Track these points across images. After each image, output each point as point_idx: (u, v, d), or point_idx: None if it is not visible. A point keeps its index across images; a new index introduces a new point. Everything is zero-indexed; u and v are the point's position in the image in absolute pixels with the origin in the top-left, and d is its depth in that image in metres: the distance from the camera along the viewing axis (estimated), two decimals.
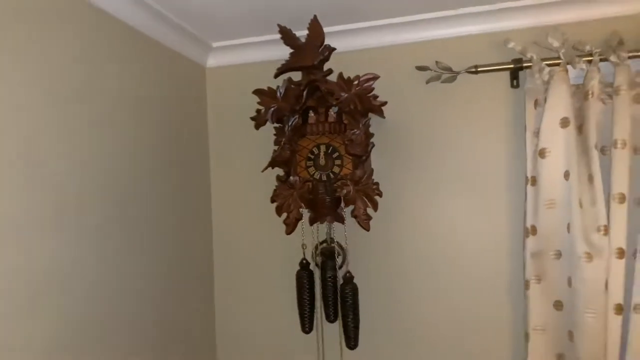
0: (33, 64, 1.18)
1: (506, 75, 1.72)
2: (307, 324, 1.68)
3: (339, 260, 1.72)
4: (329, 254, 1.69)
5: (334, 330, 1.72)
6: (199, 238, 1.97)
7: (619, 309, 1.48)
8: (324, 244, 1.73)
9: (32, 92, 1.18)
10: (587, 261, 1.48)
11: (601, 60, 1.53)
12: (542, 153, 1.56)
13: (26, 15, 1.16)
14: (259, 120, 1.63)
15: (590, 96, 1.52)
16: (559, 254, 1.57)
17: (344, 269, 1.67)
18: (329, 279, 1.66)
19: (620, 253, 1.48)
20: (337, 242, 1.73)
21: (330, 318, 1.69)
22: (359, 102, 1.50)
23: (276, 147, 1.61)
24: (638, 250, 1.48)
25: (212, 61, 2.02)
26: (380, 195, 1.56)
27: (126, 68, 1.53)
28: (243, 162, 2.00)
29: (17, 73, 1.14)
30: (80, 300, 1.31)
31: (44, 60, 1.21)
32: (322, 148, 1.64)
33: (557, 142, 1.54)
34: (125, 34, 1.53)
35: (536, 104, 1.61)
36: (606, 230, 1.48)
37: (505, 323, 1.74)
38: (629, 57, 1.50)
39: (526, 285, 1.61)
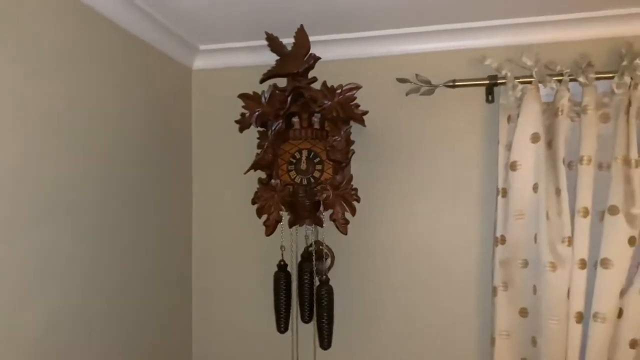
0: (18, 60, 1.20)
1: (482, 90, 1.78)
2: (282, 324, 1.72)
3: (327, 262, 1.76)
4: (307, 256, 1.74)
5: (308, 331, 1.76)
6: (179, 237, 1.99)
7: (580, 317, 1.55)
8: (312, 248, 1.76)
9: (19, 89, 1.20)
10: (551, 270, 1.55)
11: (571, 80, 1.61)
12: (513, 166, 1.62)
13: (11, 11, 1.17)
14: (243, 124, 1.65)
15: (560, 114, 1.59)
16: (525, 263, 1.64)
17: (332, 271, 1.72)
18: (305, 280, 1.70)
19: (582, 264, 1.55)
20: (327, 246, 1.77)
21: (305, 319, 1.73)
22: (341, 110, 1.55)
23: (259, 151, 1.64)
24: (598, 261, 1.55)
25: (198, 63, 2.05)
26: (358, 200, 1.60)
27: (112, 67, 1.55)
28: (226, 164, 2.04)
29: (4, 69, 1.16)
30: (63, 296, 1.35)
31: (30, 56, 1.23)
32: (304, 153, 1.67)
33: (528, 156, 1.61)
34: (112, 33, 1.56)
35: (509, 119, 1.67)
36: (570, 241, 1.55)
37: (474, 327, 1.81)
38: (596, 79, 1.58)
39: (494, 291, 1.68)
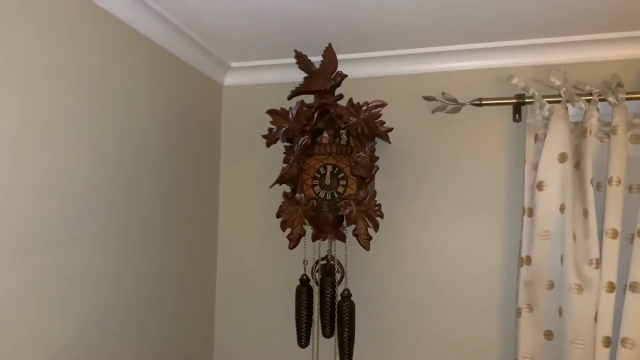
0: (58, 74, 1.26)
1: (509, 109, 1.81)
2: (303, 339, 1.76)
3: (337, 277, 1.80)
4: (328, 270, 1.78)
5: (329, 346, 1.81)
6: (205, 248, 2.06)
7: (607, 342, 1.55)
8: (324, 261, 1.81)
9: (56, 101, 1.26)
10: (577, 293, 1.55)
11: (600, 100, 1.63)
12: (539, 186, 1.64)
13: (44, 23, 1.22)
14: (270, 139, 1.74)
15: (588, 134, 1.61)
16: (551, 285, 1.64)
17: (342, 285, 1.76)
18: (327, 295, 1.74)
19: (611, 287, 1.54)
20: (337, 260, 1.81)
21: (327, 333, 1.77)
22: (366, 127, 1.61)
23: (285, 165, 1.71)
24: (627, 285, 1.54)
25: (229, 80, 2.14)
26: (381, 216, 1.65)
27: (145, 81, 1.63)
28: (252, 178, 2.10)
29: (42, 82, 1.23)
30: (92, 304, 1.42)
31: (63, 69, 1.28)
32: (329, 168, 1.73)
33: (555, 176, 1.63)
34: (149, 51, 1.64)
35: (536, 138, 1.70)
36: (598, 263, 1.55)
37: (497, 349, 1.81)
38: (627, 99, 1.60)
39: (518, 313, 1.68)
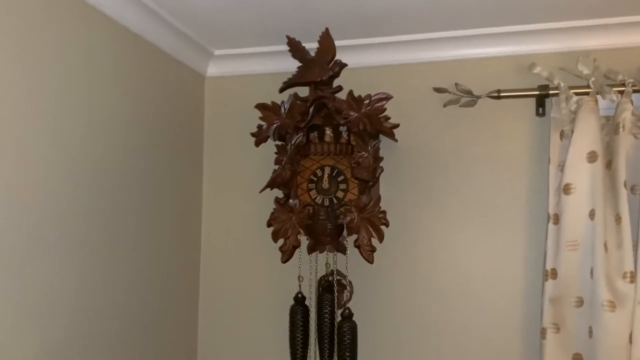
0: (27, 63, 1.24)
1: (531, 102, 1.76)
2: None
3: (345, 294, 1.75)
4: (326, 286, 1.72)
5: None
6: (185, 260, 1.99)
7: None
8: (330, 277, 1.76)
9: (26, 94, 1.24)
10: (609, 310, 1.51)
11: (634, 91, 1.58)
12: (566, 189, 1.59)
13: (21, 13, 1.21)
14: (259, 137, 1.70)
15: (621, 130, 1.55)
16: (580, 301, 1.60)
17: (355, 305, 1.70)
18: (326, 315, 1.69)
19: None
20: (343, 274, 1.75)
21: (325, 358, 1.71)
22: (369, 123, 1.57)
23: (276, 167, 1.66)
24: None
25: (212, 70, 2.08)
26: (387, 225, 1.60)
27: (121, 71, 1.59)
28: (239, 181, 2.05)
29: (11, 72, 1.20)
30: (64, 316, 1.39)
31: (33, 60, 1.26)
32: (327, 170, 1.69)
33: (583, 177, 1.57)
34: (122, 36, 1.59)
35: (562, 135, 1.65)
36: (632, 277, 1.50)
37: None
38: None
39: (542, 334, 1.62)
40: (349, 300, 1.74)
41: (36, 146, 1.28)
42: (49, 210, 1.33)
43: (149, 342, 1.76)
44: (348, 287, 1.75)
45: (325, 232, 1.68)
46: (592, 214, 1.56)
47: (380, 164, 1.66)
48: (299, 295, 1.71)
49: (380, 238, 1.59)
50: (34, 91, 1.28)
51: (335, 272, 1.75)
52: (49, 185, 1.32)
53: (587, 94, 1.61)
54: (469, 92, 1.77)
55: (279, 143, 1.70)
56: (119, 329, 1.61)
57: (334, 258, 1.76)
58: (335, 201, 1.68)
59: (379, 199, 1.66)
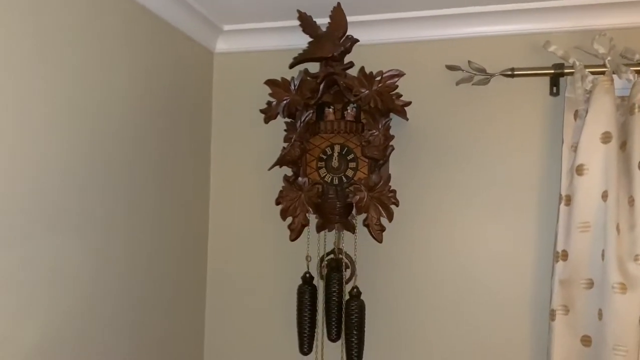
0: (42, 42, 1.25)
1: (545, 81, 1.76)
2: (306, 345, 1.74)
3: (346, 273, 1.77)
4: (335, 265, 1.75)
5: (335, 351, 1.78)
6: (192, 236, 2.01)
7: None
8: (331, 255, 1.78)
9: (43, 73, 1.26)
10: (620, 292, 1.52)
11: None
12: (579, 170, 1.60)
13: None
14: (269, 114, 1.71)
15: (636, 110, 1.56)
16: (590, 283, 1.61)
17: (351, 283, 1.73)
18: (334, 294, 1.71)
19: None
20: (346, 253, 1.78)
21: (333, 337, 1.74)
22: (380, 101, 1.58)
23: (286, 144, 1.68)
24: None
25: (221, 45, 2.08)
26: (396, 204, 1.63)
27: (130, 46, 1.59)
28: (248, 158, 2.06)
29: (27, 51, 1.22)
30: (69, 302, 1.40)
31: (51, 37, 1.28)
32: (336, 148, 1.71)
33: (597, 158, 1.59)
34: (130, 11, 1.59)
35: (576, 115, 1.65)
36: None
37: (526, 357, 1.79)
38: None
39: (552, 315, 1.65)
40: (351, 279, 1.75)
41: (53, 122, 1.31)
42: (67, 186, 1.36)
43: (156, 319, 1.79)
44: (348, 266, 1.78)
45: (334, 211, 1.69)
46: (604, 195, 1.57)
47: (391, 143, 1.67)
48: (307, 275, 1.73)
49: (390, 217, 1.61)
50: (50, 69, 1.29)
51: (335, 250, 1.77)
52: (57, 167, 1.34)
53: (602, 73, 1.60)
54: (482, 70, 1.78)
55: (289, 120, 1.72)
56: (123, 304, 1.62)
57: (342, 237, 1.77)
58: (344, 180, 1.69)
59: (388, 178, 1.67)
